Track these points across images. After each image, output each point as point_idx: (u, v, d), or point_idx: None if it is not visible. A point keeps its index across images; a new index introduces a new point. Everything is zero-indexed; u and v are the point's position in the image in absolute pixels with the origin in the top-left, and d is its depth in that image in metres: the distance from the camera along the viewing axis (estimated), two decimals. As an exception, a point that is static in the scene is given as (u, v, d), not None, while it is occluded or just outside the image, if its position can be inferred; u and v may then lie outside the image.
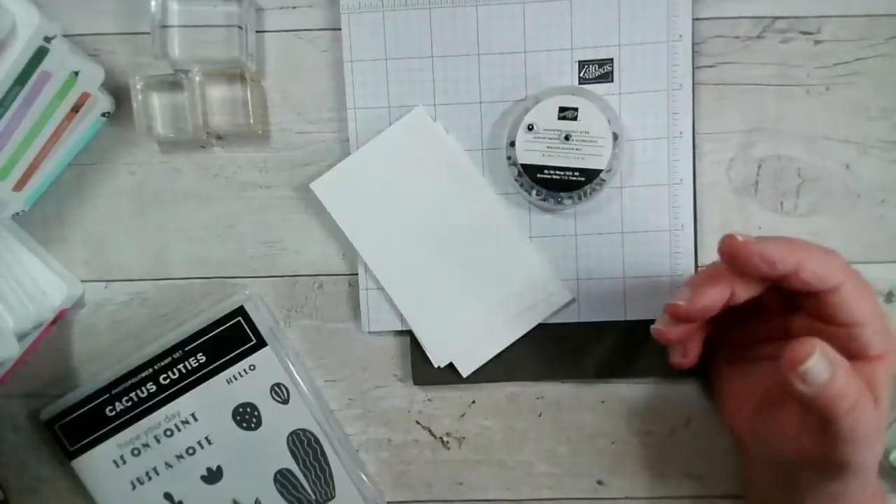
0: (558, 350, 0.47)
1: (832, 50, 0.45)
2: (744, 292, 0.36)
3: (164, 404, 0.46)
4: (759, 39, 0.45)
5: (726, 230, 0.46)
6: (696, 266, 0.46)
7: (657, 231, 0.46)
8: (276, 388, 0.46)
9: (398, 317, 0.46)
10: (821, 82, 0.46)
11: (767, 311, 0.40)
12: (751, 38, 0.45)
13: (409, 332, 0.47)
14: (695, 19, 0.45)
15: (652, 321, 0.46)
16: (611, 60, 0.45)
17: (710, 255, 0.46)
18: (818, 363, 0.31)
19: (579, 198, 0.44)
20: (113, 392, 0.46)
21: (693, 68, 0.45)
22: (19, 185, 0.43)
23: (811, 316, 0.37)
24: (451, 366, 0.46)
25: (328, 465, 0.47)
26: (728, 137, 0.46)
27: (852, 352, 0.34)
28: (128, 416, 0.46)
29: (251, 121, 0.45)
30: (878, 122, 0.46)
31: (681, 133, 0.45)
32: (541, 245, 0.46)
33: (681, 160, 0.45)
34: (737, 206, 0.46)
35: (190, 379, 0.46)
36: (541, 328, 0.46)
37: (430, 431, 0.48)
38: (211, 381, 0.46)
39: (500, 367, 0.47)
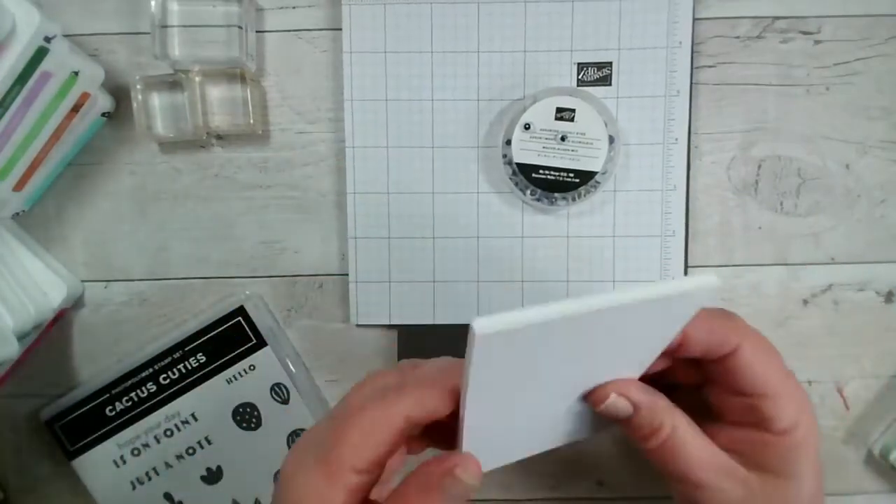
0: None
1: (832, 50, 0.45)
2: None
3: (164, 404, 0.46)
4: (759, 39, 0.45)
5: (726, 230, 0.46)
6: (686, 272, 0.46)
7: (648, 236, 0.46)
8: (276, 388, 0.46)
9: (387, 311, 0.47)
10: (821, 82, 0.45)
11: (679, 386, 0.35)
12: (751, 38, 0.45)
13: (398, 327, 0.47)
14: (695, 19, 0.45)
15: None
16: (610, 64, 0.45)
17: (702, 261, 0.46)
18: (615, 403, 0.31)
19: (573, 199, 0.44)
20: (113, 392, 0.46)
21: (692, 73, 0.45)
22: (19, 185, 0.43)
23: (718, 385, 0.33)
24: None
25: (328, 464, 0.47)
26: (728, 137, 0.46)
27: (760, 424, 0.31)
28: (128, 416, 0.46)
29: (251, 121, 0.45)
30: (878, 122, 0.46)
31: (676, 139, 0.45)
32: (533, 245, 0.46)
33: (675, 166, 0.45)
34: (737, 206, 0.46)
35: (190, 379, 0.46)
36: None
37: (429, 431, 0.48)
38: (211, 381, 0.46)
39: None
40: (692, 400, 0.33)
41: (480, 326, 0.24)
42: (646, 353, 0.31)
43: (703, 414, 0.33)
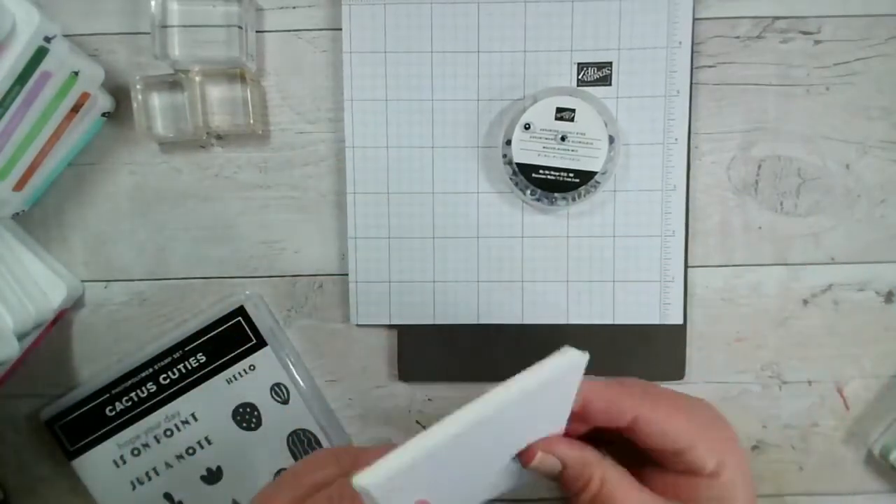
0: (547, 352, 0.47)
1: (832, 50, 0.45)
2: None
3: (164, 404, 0.46)
4: (759, 39, 0.45)
5: (726, 230, 0.46)
6: (686, 272, 0.46)
7: (648, 236, 0.46)
8: (276, 388, 0.46)
9: (387, 311, 0.47)
10: (821, 82, 0.45)
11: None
12: (751, 38, 0.45)
13: (398, 327, 0.47)
14: (695, 19, 0.45)
15: (640, 327, 0.46)
16: (609, 64, 0.45)
17: (702, 261, 0.46)
18: (542, 461, 0.31)
19: (573, 199, 0.44)
20: (113, 392, 0.46)
21: (692, 73, 0.45)
22: (19, 185, 0.43)
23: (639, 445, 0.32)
24: (439, 362, 0.47)
25: (328, 464, 0.47)
26: (728, 137, 0.46)
27: (688, 470, 0.31)
28: (128, 416, 0.46)
29: (251, 121, 0.45)
30: (878, 122, 0.46)
31: (676, 139, 0.45)
32: (533, 245, 0.46)
33: (675, 167, 0.45)
34: (737, 206, 0.46)
35: (190, 379, 0.46)
36: (531, 329, 0.46)
37: (429, 431, 0.48)
38: (211, 381, 0.46)
39: (490, 367, 0.47)
40: (628, 448, 0.32)
41: (360, 481, 0.24)
42: (555, 419, 0.31)
43: (640, 460, 0.32)
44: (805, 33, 0.45)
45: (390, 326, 0.47)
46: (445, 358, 0.47)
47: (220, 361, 0.46)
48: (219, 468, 0.47)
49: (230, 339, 0.46)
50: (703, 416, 0.32)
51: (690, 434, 0.31)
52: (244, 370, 0.46)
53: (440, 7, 0.45)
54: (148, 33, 0.44)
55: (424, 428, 0.48)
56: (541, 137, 0.43)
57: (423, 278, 0.46)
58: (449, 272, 0.46)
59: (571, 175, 0.43)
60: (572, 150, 0.43)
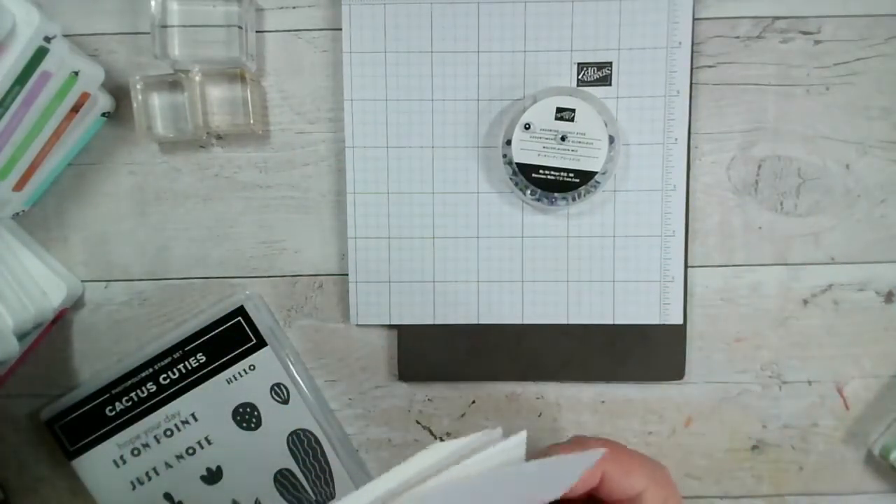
0: (547, 352, 0.47)
1: (832, 50, 0.45)
2: None
3: (164, 404, 0.46)
4: (759, 39, 0.45)
5: (726, 230, 0.46)
6: (686, 272, 0.46)
7: (648, 236, 0.46)
8: (276, 388, 0.46)
9: (387, 311, 0.47)
10: (821, 82, 0.45)
11: None
12: (751, 38, 0.45)
13: (398, 327, 0.47)
14: (695, 19, 0.45)
15: (640, 327, 0.46)
16: (609, 64, 0.45)
17: (702, 261, 0.46)
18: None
19: (573, 199, 0.44)
20: (113, 392, 0.46)
21: (692, 73, 0.45)
22: (19, 185, 0.43)
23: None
24: (439, 362, 0.47)
25: (328, 465, 0.47)
26: (728, 137, 0.46)
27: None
28: (128, 416, 0.46)
29: (251, 121, 0.45)
30: (878, 122, 0.46)
31: (676, 140, 0.45)
32: (533, 245, 0.46)
33: (675, 167, 0.45)
34: (737, 206, 0.46)
35: (190, 379, 0.46)
36: (531, 329, 0.46)
37: (430, 431, 0.48)
38: (211, 381, 0.46)
39: (490, 367, 0.47)
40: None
41: None
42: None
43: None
44: (805, 33, 0.45)
45: (390, 326, 0.47)
46: (445, 358, 0.47)
47: (220, 361, 0.46)
48: (219, 468, 0.47)
49: (230, 339, 0.46)
50: (648, 463, 0.35)
51: (644, 481, 0.34)
52: (244, 370, 0.46)
53: (440, 7, 0.45)
54: (148, 33, 0.44)
55: (424, 427, 0.49)
56: (541, 137, 0.43)
57: (423, 278, 0.46)
58: (449, 272, 0.46)
59: (571, 175, 0.43)
60: (572, 150, 0.43)
